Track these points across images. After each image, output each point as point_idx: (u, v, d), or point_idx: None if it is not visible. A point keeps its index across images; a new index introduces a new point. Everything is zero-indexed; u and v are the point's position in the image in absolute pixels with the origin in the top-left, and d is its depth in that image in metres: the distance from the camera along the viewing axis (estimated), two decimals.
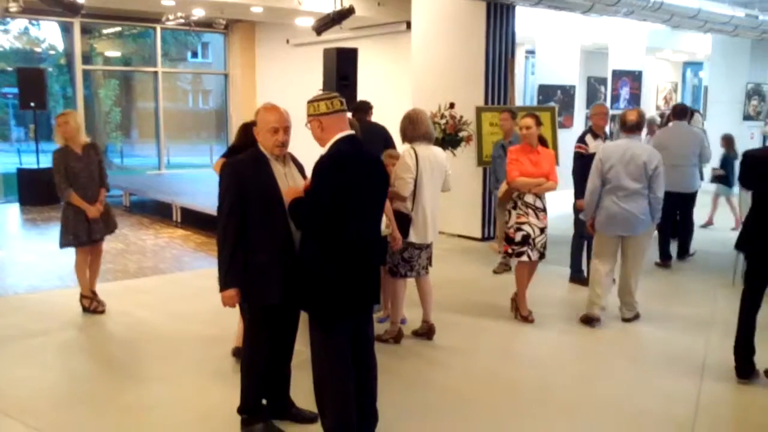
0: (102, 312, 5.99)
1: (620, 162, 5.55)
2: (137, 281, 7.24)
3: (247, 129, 4.54)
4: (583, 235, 6.86)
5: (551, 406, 4.28)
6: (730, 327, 5.37)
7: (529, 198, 5.69)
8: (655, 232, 7.54)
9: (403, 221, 5.09)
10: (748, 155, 4.85)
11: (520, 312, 5.88)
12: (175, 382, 4.57)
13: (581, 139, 6.83)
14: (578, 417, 4.13)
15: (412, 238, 5.14)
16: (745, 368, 4.58)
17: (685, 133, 8.04)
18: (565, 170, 7.06)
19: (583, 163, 6.59)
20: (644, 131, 6.89)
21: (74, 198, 5.74)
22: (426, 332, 5.39)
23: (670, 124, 8.30)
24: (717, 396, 4.44)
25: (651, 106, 18.02)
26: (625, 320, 5.87)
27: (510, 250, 5.79)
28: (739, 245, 4.83)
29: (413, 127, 5.18)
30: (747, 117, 14.11)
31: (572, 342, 5.53)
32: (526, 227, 5.65)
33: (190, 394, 4.39)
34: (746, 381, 4.55)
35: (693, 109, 9.42)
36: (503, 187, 5.98)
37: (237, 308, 3.79)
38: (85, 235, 5.87)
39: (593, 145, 6.67)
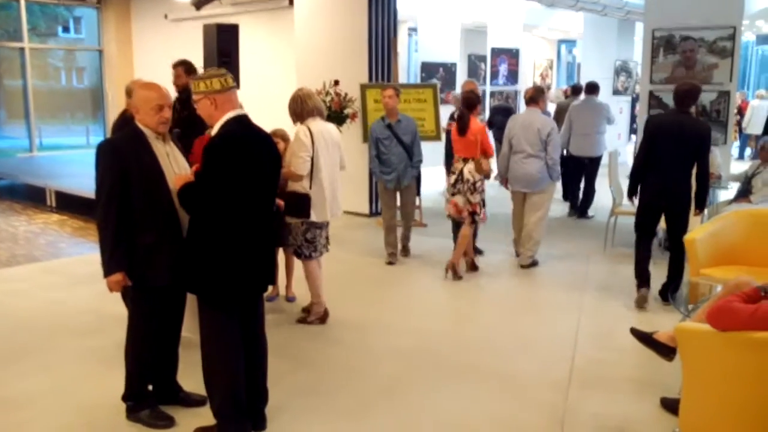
0: None
1: (521, 129, 6.60)
2: (9, 270, 6.86)
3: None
4: None
5: (440, 373, 4.43)
6: (601, 290, 5.74)
7: None
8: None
9: (302, 201, 5.00)
10: (648, 120, 5.74)
11: (473, 262, 6.64)
12: (55, 373, 4.39)
13: (451, 117, 7.07)
14: (465, 383, 4.30)
15: (313, 217, 5.06)
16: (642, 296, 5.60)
17: (593, 106, 9.30)
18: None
19: (451, 140, 6.93)
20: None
21: None
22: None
23: (582, 97, 9.55)
24: (590, 356, 4.73)
25: (528, 82, 18.70)
26: (522, 266, 6.76)
27: (483, 215, 6.40)
28: (630, 194, 5.68)
29: (303, 105, 5.07)
30: (616, 92, 14.93)
31: (458, 309, 5.74)
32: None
33: (71, 384, 4.23)
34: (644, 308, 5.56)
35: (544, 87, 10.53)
36: (489, 161, 6.36)
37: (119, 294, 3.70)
38: None
39: None
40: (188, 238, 3.41)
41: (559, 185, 9.34)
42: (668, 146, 5.36)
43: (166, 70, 6.29)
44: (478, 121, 6.33)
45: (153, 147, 3.50)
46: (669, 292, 5.39)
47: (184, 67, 6.01)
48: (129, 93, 5.10)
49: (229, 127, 3.33)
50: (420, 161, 6.97)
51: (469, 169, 6.22)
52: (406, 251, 7.15)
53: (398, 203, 7.16)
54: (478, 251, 7.12)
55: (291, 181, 4.98)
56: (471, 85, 7.11)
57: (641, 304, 5.56)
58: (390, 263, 6.92)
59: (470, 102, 6.36)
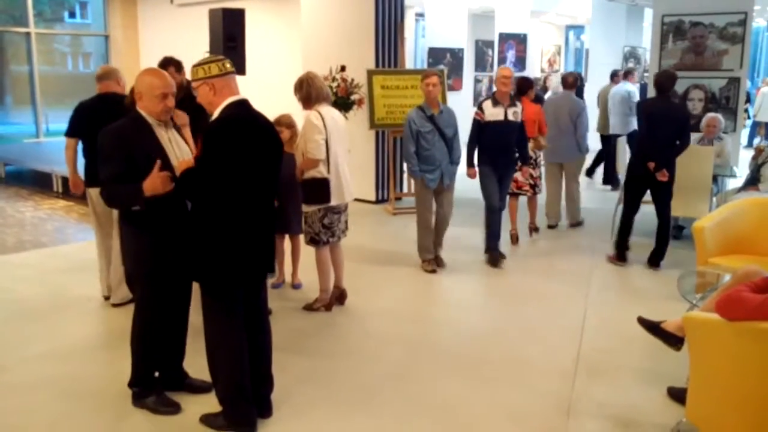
0: None
1: (554, 110, 7.66)
2: (16, 256, 6.88)
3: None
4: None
5: (445, 362, 4.42)
6: (608, 279, 5.71)
7: None
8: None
9: (321, 187, 4.94)
10: (641, 104, 6.52)
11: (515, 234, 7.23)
12: (61, 358, 4.40)
13: (479, 105, 6.38)
14: (470, 371, 4.29)
15: (332, 201, 5.00)
16: (622, 255, 6.42)
17: (625, 91, 10.43)
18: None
19: (476, 129, 6.31)
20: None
21: None
22: (338, 297, 5.39)
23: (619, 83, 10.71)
24: (597, 345, 4.72)
25: (536, 68, 18.58)
26: (572, 225, 7.93)
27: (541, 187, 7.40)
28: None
29: (313, 89, 4.96)
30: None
31: (464, 298, 5.72)
32: None
33: (76, 370, 4.24)
34: (624, 264, 6.37)
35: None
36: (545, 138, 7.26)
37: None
38: None
39: (490, 112, 6.22)
40: (189, 224, 3.41)
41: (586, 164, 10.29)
42: (659, 127, 6.05)
43: (172, 55, 6.23)
44: (533, 104, 7.07)
45: (156, 133, 3.51)
46: (658, 260, 6.21)
47: (174, 67, 5.79)
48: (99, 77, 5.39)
49: (228, 111, 3.31)
50: (459, 157, 6.25)
51: (530, 147, 6.88)
52: (438, 261, 6.40)
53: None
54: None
55: (307, 168, 4.92)
56: (501, 72, 6.30)
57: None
58: (432, 271, 6.24)
59: (522, 87, 7.09)
